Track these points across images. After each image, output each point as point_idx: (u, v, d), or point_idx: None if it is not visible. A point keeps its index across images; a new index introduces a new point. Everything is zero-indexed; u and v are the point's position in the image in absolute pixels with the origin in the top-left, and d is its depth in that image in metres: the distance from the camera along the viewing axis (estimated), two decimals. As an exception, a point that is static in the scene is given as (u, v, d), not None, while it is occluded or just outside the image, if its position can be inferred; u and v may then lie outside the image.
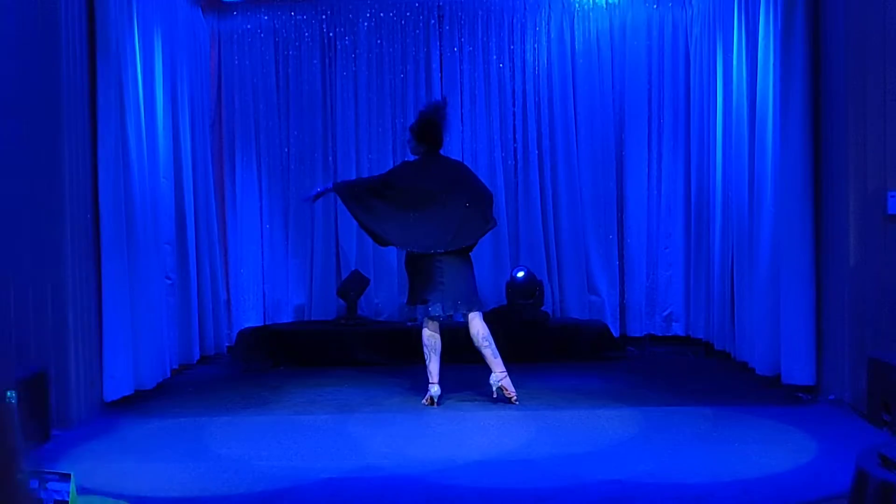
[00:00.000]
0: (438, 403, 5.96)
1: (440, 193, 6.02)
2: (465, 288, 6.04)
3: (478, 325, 6.01)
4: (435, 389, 5.97)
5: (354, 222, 8.22)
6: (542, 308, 7.90)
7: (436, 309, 5.96)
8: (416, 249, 6.00)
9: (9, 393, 2.35)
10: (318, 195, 6.56)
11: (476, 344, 6.00)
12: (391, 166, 8.07)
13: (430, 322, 6.04)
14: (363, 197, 6.11)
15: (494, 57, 8.33)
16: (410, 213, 6.01)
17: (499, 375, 5.95)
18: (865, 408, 5.34)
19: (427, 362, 6.02)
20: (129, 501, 4.08)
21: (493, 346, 5.98)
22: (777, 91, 6.05)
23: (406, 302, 6.24)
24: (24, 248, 5.39)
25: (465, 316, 6.03)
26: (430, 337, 6.03)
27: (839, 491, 3.84)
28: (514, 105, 8.36)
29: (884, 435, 4.89)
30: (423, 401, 6.02)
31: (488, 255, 8.23)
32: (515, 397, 5.94)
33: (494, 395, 5.99)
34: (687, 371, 7.26)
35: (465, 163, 7.94)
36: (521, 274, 7.76)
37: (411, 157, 6.37)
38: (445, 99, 6.64)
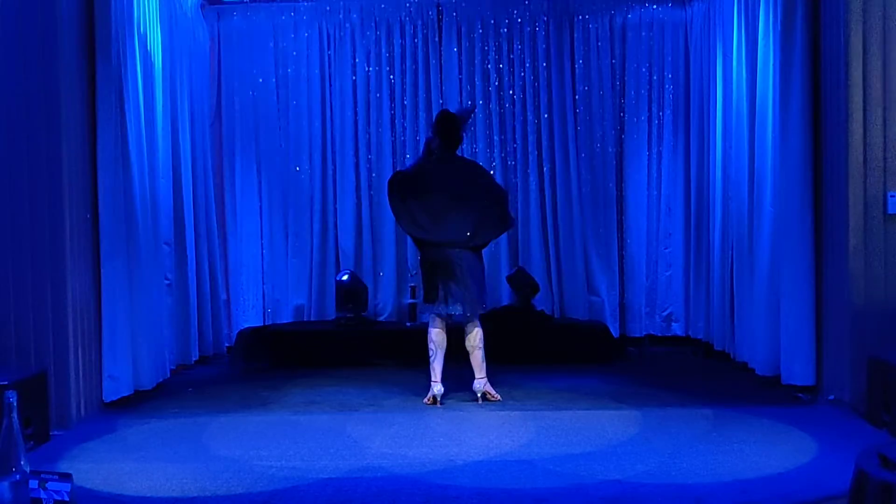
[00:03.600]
0: (441, 403, 5.96)
1: (459, 193, 6.03)
2: (479, 290, 6.07)
3: (476, 327, 6.03)
4: (438, 388, 5.98)
5: (354, 222, 8.33)
6: (541, 308, 7.91)
7: (456, 308, 5.98)
8: (434, 239, 6.00)
9: (9, 392, 2.35)
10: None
11: (470, 344, 6.03)
12: (391, 166, 8.11)
13: (438, 320, 6.04)
14: (399, 196, 6.12)
15: (494, 57, 8.33)
16: (431, 210, 6.01)
17: (481, 381, 6.04)
18: (865, 408, 5.34)
19: (431, 360, 6.02)
20: (129, 502, 4.09)
21: (483, 350, 6.03)
22: (777, 91, 6.05)
23: (423, 300, 6.18)
24: (24, 249, 5.39)
25: (468, 317, 6.05)
26: (438, 334, 6.03)
27: (839, 491, 3.83)
28: (513, 105, 8.36)
29: (884, 435, 4.89)
30: (425, 400, 6.01)
31: (489, 255, 8.20)
32: (499, 397, 6.07)
33: (480, 402, 6.02)
34: (687, 371, 7.26)
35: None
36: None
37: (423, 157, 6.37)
38: (474, 105, 6.69)
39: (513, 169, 8.37)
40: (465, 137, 8.21)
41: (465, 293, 5.98)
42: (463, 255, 6.01)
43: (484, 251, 8.07)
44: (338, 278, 8.04)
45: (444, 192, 6.03)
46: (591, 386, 6.57)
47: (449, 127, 6.15)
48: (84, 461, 4.75)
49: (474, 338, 6.02)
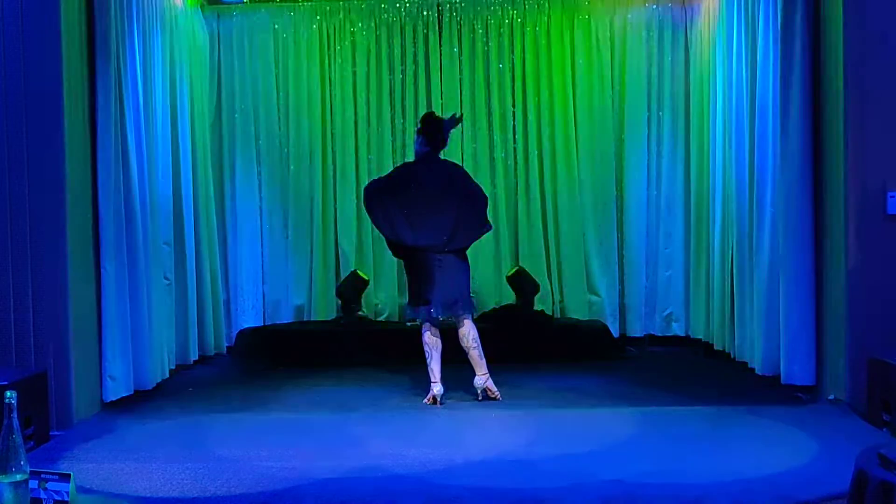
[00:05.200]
0: (441, 402, 5.97)
1: (437, 195, 6.05)
2: (462, 290, 6.08)
3: (468, 326, 6.06)
4: (438, 388, 5.98)
5: (354, 223, 8.33)
6: (541, 308, 7.91)
7: (437, 311, 5.99)
8: (412, 244, 6.01)
9: (8, 393, 2.35)
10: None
11: (464, 344, 6.05)
12: (391, 166, 8.10)
13: (430, 323, 6.05)
14: (378, 200, 6.15)
15: (494, 57, 8.33)
16: (408, 212, 6.03)
17: (483, 378, 6.04)
18: (865, 408, 5.34)
19: (428, 361, 6.03)
20: (129, 502, 4.08)
21: (481, 347, 6.06)
22: (777, 91, 6.05)
23: (407, 303, 6.27)
24: (24, 249, 5.39)
25: (459, 317, 6.06)
26: (431, 336, 6.05)
27: (839, 491, 3.83)
28: (514, 105, 8.36)
29: (884, 435, 4.89)
30: (426, 400, 6.02)
31: (489, 255, 8.24)
32: (499, 395, 6.07)
33: (479, 398, 6.04)
34: (687, 371, 7.26)
35: (466, 163, 8.01)
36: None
37: (411, 159, 6.41)
38: (461, 116, 6.76)
39: (513, 169, 8.37)
40: (464, 137, 8.29)
41: (442, 296, 5.99)
42: (443, 257, 6.02)
43: (487, 251, 8.15)
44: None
45: (422, 195, 6.05)
46: (591, 386, 6.57)
47: (433, 128, 6.19)
48: (84, 461, 4.75)
49: (466, 337, 6.05)
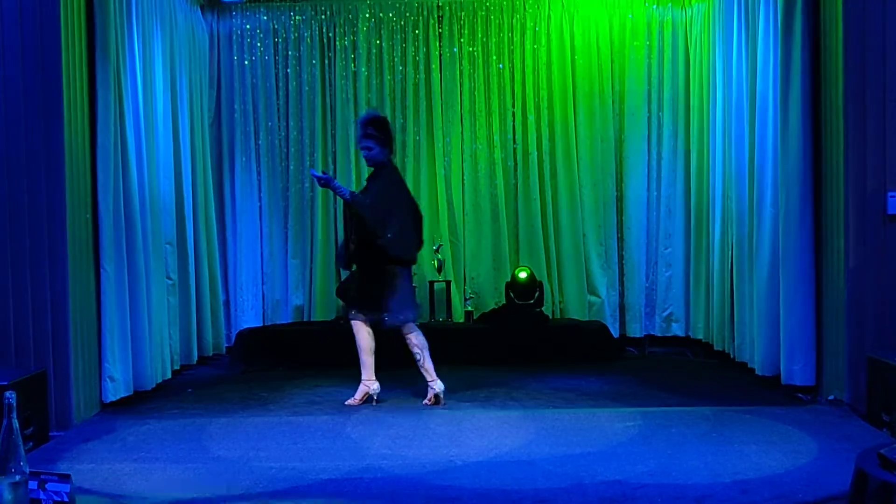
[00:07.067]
0: (443, 402, 5.96)
1: (411, 203, 6.16)
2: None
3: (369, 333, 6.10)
4: (438, 385, 5.98)
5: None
6: (542, 308, 7.91)
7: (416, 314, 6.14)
8: (412, 255, 6.11)
9: (8, 393, 2.35)
10: (331, 187, 6.06)
11: (371, 347, 6.08)
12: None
13: (413, 325, 6.05)
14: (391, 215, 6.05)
15: (494, 57, 8.34)
16: (406, 222, 6.03)
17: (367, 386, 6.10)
18: (865, 408, 5.34)
19: (421, 362, 6.01)
20: (129, 502, 4.08)
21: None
22: (777, 91, 6.05)
23: (410, 317, 6.07)
24: (24, 249, 5.39)
25: (380, 322, 6.06)
26: (418, 336, 6.03)
27: (839, 491, 3.84)
28: (513, 105, 8.36)
29: (884, 435, 4.89)
30: (426, 401, 6.01)
31: (488, 255, 8.24)
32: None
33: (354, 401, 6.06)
34: (687, 371, 7.26)
35: (466, 163, 8.14)
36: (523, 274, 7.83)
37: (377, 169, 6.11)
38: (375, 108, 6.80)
39: (513, 169, 8.37)
40: (464, 137, 8.32)
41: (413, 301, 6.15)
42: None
43: (487, 251, 8.17)
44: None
45: (406, 201, 6.10)
46: (591, 386, 6.57)
47: (391, 132, 6.11)
48: (83, 462, 4.75)
49: (372, 343, 6.13)
